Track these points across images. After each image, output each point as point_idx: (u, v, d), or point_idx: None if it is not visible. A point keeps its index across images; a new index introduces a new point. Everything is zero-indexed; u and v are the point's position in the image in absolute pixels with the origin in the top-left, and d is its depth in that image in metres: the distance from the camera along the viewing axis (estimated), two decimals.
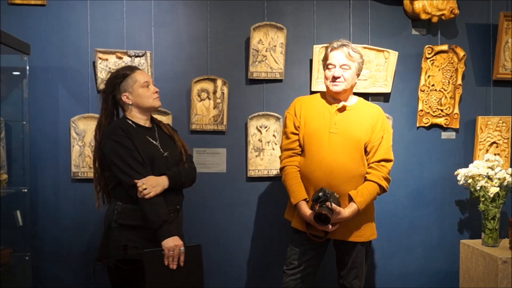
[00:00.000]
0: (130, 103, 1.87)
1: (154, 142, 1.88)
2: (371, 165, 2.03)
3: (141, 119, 1.90)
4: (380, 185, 2.02)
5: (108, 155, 1.80)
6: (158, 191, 1.77)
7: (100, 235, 1.87)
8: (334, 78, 2.01)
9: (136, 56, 2.42)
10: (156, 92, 1.90)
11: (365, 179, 2.02)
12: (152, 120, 1.98)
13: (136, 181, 1.75)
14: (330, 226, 1.94)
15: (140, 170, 1.77)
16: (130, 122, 1.87)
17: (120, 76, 1.85)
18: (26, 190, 2.34)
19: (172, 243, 1.72)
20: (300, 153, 2.09)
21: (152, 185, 1.76)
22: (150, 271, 1.71)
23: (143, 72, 1.92)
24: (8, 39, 2.09)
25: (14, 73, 2.36)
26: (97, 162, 1.88)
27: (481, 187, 2.43)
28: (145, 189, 1.74)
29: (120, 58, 2.41)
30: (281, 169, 2.12)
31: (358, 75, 2.06)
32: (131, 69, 1.89)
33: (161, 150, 1.88)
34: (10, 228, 2.33)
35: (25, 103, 2.34)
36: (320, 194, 1.90)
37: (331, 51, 2.03)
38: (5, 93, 2.36)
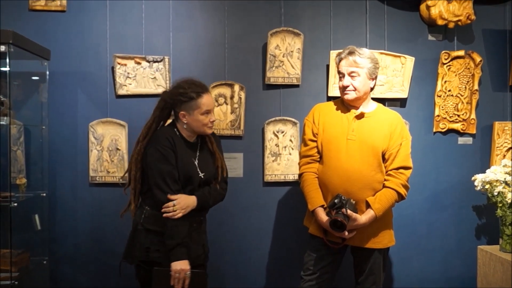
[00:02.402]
0: (185, 122, 1.86)
1: (194, 161, 1.89)
2: (389, 172, 2.03)
3: (188, 136, 1.91)
4: (398, 192, 2.01)
5: (149, 162, 1.83)
6: (185, 212, 1.81)
7: (120, 238, 1.90)
8: (344, 87, 2.02)
9: (155, 62, 2.44)
10: (213, 121, 1.90)
11: (384, 186, 2.02)
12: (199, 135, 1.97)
13: (170, 197, 1.79)
14: (347, 233, 1.94)
15: (174, 188, 1.80)
16: (178, 133, 1.88)
17: (185, 96, 1.82)
18: (44, 194, 2.37)
19: (180, 266, 1.76)
20: (318, 160, 2.10)
21: (182, 207, 1.80)
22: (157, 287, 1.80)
23: (208, 98, 1.87)
24: (28, 45, 2.12)
25: (34, 78, 2.38)
26: (137, 166, 1.88)
27: (498, 192, 2.42)
28: (175, 210, 1.78)
29: (139, 63, 2.43)
30: (300, 175, 2.14)
31: (372, 79, 2.05)
32: (199, 93, 1.84)
33: (198, 169, 1.89)
34: (28, 232, 2.35)
35: (44, 108, 2.37)
36: (336, 200, 1.91)
37: (339, 61, 2.05)
38: (25, 98, 2.38)
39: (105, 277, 2.46)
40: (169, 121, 1.95)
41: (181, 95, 1.83)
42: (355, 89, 2.01)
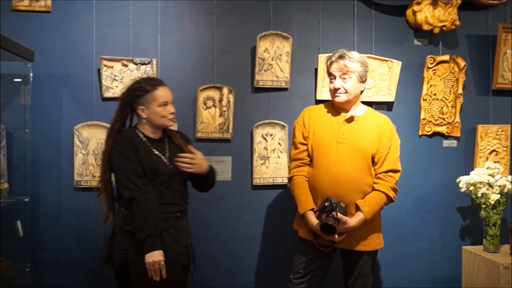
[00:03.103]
0: (145, 116, 1.89)
1: (159, 155, 1.90)
2: (378, 175, 2.04)
3: (151, 133, 1.93)
4: (387, 195, 2.03)
5: (113, 164, 1.87)
6: (198, 170, 1.90)
7: (106, 243, 1.92)
8: (335, 90, 2.03)
9: (142, 64, 2.40)
10: (173, 113, 1.92)
11: (373, 189, 2.04)
12: (164, 131, 1.99)
13: (190, 148, 1.93)
14: (337, 236, 1.95)
15: (139, 183, 1.81)
16: (140, 133, 1.90)
17: (141, 90, 1.87)
18: (27, 200, 2.30)
19: (152, 258, 1.76)
20: (308, 163, 2.10)
21: (198, 163, 1.90)
22: (137, 281, 1.81)
23: (165, 90, 1.90)
24: (12, 46, 2.06)
25: (16, 80, 2.32)
26: (105, 166, 1.91)
27: (482, 194, 2.47)
28: (190, 164, 1.87)
29: (126, 65, 2.39)
30: (290, 179, 2.13)
31: (363, 82, 2.06)
32: (154, 85, 1.88)
33: (166, 162, 1.90)
34: (10, 238, 2.27)
35: (27, 111, 2.30)
36: (326, 204, 1.91)
37: (330, 64, 2.06)
38: (7, 100, 2.30)
39: (90, 284, 2.40)
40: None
41: (137, 89, 1.88)
42: (346, 92, 2.02)
